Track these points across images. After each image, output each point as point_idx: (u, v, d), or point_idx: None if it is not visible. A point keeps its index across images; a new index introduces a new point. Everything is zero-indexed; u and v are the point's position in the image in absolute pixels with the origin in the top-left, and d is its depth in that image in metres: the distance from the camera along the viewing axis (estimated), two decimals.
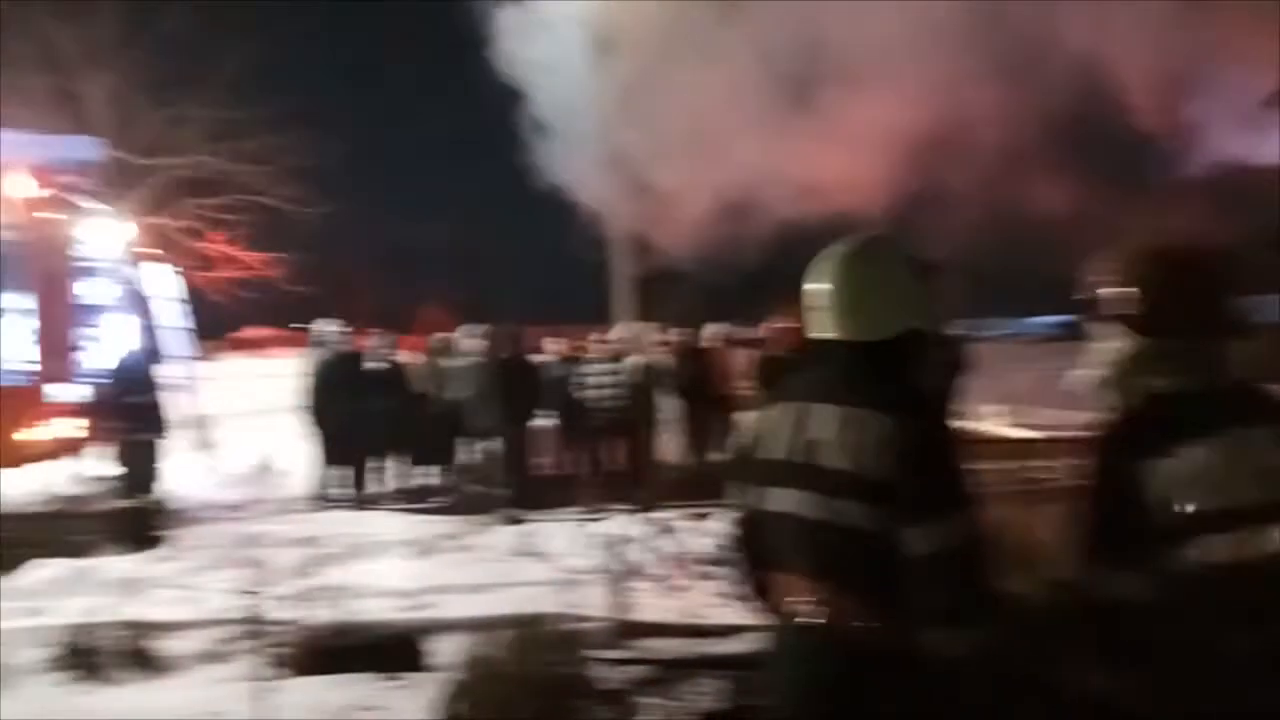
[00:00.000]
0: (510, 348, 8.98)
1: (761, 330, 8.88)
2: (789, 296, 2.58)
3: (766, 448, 1.99)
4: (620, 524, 7.12)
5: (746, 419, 2.18)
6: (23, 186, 7.15)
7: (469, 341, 9.35)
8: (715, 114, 11.55)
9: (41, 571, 6.18)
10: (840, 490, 1.85)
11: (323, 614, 4.75)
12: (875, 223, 10.45)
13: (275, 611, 4.83)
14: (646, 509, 7.54)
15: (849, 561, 1.85)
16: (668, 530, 6.86)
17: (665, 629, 4.74)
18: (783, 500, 1.95)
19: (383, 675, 4.27)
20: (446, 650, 4.46)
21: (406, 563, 6.48)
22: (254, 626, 4.72)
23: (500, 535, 7.02)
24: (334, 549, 6.81)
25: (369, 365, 9.21)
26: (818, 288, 2.00)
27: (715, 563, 6.27)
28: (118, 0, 17.47)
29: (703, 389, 9.15)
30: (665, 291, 13.39)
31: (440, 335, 10.18)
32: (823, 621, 1.86)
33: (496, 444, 8.83)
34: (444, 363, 9.52)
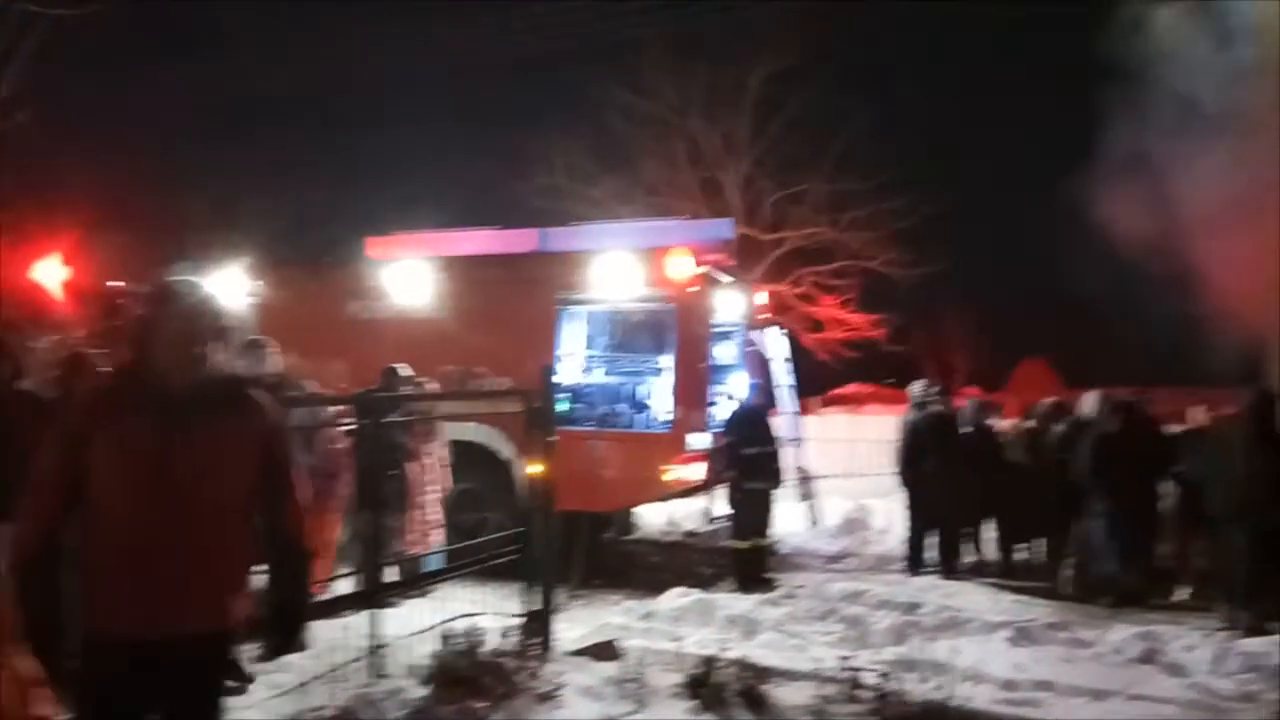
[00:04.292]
0: (1123, 416, 7.99)
1: None
2: None
3: None
4: (1274, 645, 5.81)
5: None
6: (679, 266, 8.41)
7: (1083, 407, 8.56)
8: None
9: (679, 600, 7.04)
10: None
11: (921, 689, 4.63)
12: None
13: (873, 677, 4.87)
14: None
15: None
16: None
17: None
18: None
19: None
20: None
21: (1006, 647, 6.06)
22: (855, 690, 4.80)
23: (1118, 633, 6.20)
24: (928, 619, 6.68)
25: (955, 430, 8.95)
26: None
27: None
28: (753, 99, 19.90)
29: None
30: None
31: (1046, 400, 9.52)
32: None
33: (1103, 523, 7.88)
34: (1053, 429, 8.85)
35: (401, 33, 21.31)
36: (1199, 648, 5.93)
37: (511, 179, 19.12)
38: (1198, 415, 8.14)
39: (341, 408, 5.98)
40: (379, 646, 5.12)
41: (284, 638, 3.16)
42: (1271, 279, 10.25)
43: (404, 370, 7.37)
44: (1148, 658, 5.89)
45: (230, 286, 9.04)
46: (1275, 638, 5.99)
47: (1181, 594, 7.86)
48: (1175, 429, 8.35)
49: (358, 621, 5.19)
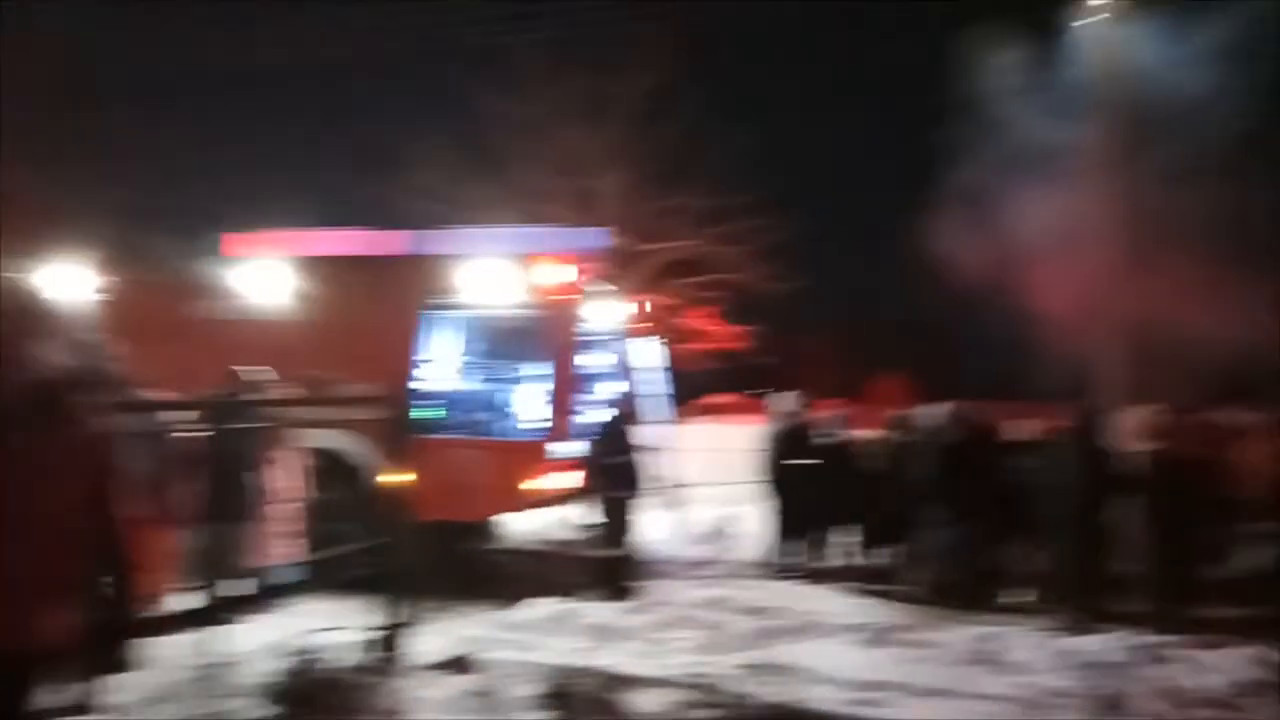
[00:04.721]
0: (965, 428, 8.43)
1: None
2: None
3: None
4: (1102, 643, 6.22)
5: None
6: (552, 274, 8.37)
7: (924, 418, 8.97)
8: None
9: (542, 610, 6.98)
10: None
11: (775, 692, 4.73)
12: None
13: (729, 682, 4.95)
14: (1157, 628, 6.49)
15: None
16: (1158, 658, 5.84)
17: None
18: None
19: None
20: None
21: (859, 649, 6.28)
22: (711, 695, 4.87)
23: (963, 634, 6.50)
24: (786, 623, 6.86)
25: (817, 439, 9.24)
26: None
27: (1214, 704, 5.22)
28: (627, 108, 20.07)
29: (1196, 484, 7.63)
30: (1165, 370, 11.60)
31: (903, 411, 9.92)
32: None
33: (950, 529, 8.28)
34: (900, 439, 9.23)
35: (267, 22, 20.51)
36: (1037, 647, 6.28)
37: (382, 180, 18.66)
38: (1031, 427, 8.65)
39: (185, 413, 5.67)
40: (221, 664, 4.87)
41: (107, 656, 2.98)
42: (1093, 306, 11.11)
43: (261, 374, 7.04)
44: (990, 657, 6.19)
45: (68, 283, 8.48)
46: (1106, 636, 6.42)
47: (1024, 596, 8.30)
48: (1013, 439, 8.83)
49: (200, 638, 4.94)
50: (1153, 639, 6.21)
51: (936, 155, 12.52)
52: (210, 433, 5.17)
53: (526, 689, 4.93)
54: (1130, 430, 8.32)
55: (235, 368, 6.64)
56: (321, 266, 8.70)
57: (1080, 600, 7.28)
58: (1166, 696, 5.35)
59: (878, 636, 6.51)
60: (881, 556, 9.29)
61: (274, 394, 6.66)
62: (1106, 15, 12.00)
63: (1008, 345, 12.49)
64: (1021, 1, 12.74)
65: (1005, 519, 8.35)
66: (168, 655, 4.84)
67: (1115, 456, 7.71)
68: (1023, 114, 11.88)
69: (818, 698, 4.85)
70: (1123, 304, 11.37)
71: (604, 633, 6.51)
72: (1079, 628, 6.82)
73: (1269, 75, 12.15)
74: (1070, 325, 11.07)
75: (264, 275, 8.64)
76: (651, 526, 9.56)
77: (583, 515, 8.76)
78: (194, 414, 5.43)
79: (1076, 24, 12.09)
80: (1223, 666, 5.69)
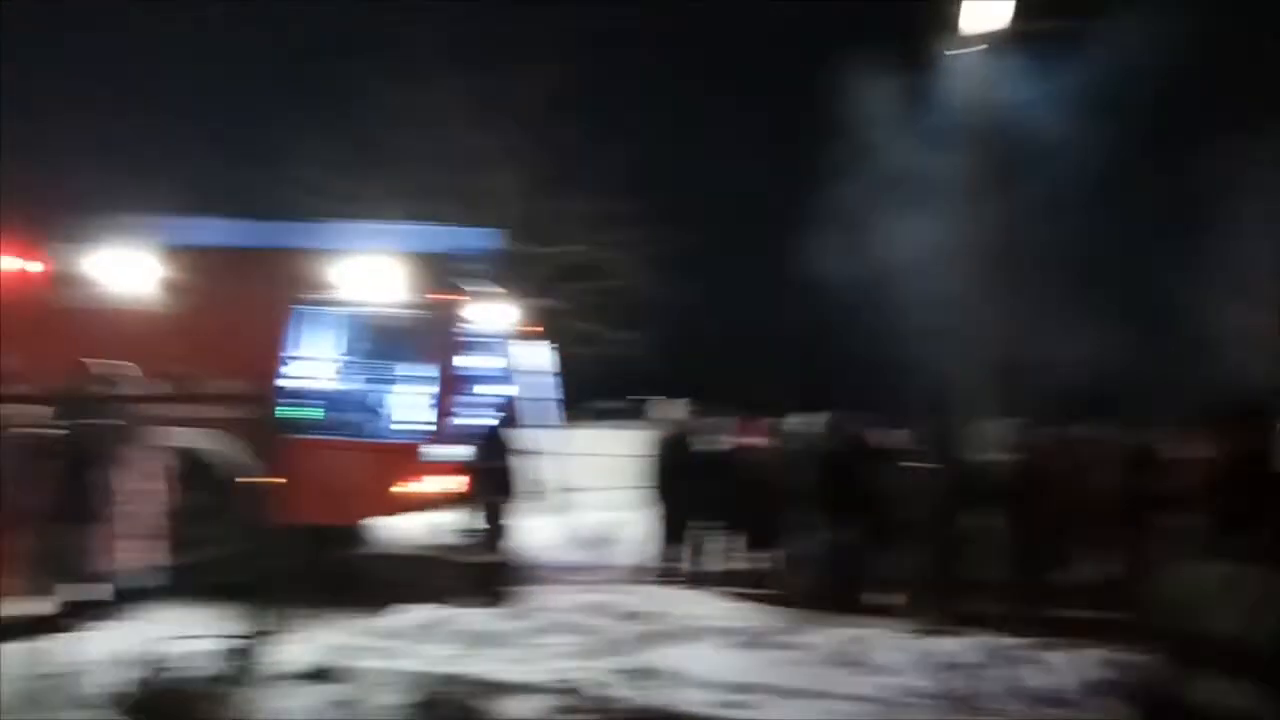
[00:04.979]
0: (841, 437, 8.69)
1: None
2: None
3: None
4: (960, 644, 6.48)
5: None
6: (433, 273, 8.22)
7: (801, 428, 9.20)
8: None
9: (416, 616, 6.83)
10: None
11: (646, 696, 4.75)
12: None
13: (601, 687, 4.95)
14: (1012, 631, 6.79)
15: None
16: (1010, 659, 6.13)
17: None
18: None
19: None
20: None
21: (735, 652, 6.37)
22: (581, 700, 4.85)
23: (836, 637, 6.67)
24: (665, 627, 6.90)
25: (701, 446, 9.36)
26: None
27: (1061, 703, 5.51)
28: (524, 108, 19.96)
29: (1050, 494, 8.00)
30: (1021, 387, 12.28)
31: (786, 420, 10.14)
32: None
33: (827, 534, 8.51)
34: (779, 447, 9.44)
35: (150, 5, 19.60)
36: (900, 649, 6.50)
37: (264, 170, 18.01)
38: (900, 438, 8.97)
39: (30, 408, 5.34)
40: (65, 674, 4.61)
41: None
42: (959, 325, 11.67)
43: (116, 368, 6.68)
44: (855, 659, 6.37)
45: None
46: (964, 638, 6.68)
47: (893, 599, 8.56)
48: (885, 448, 9.13)
49: (43, 646, 4.67)
50: (1007, 641, 6.51)
51: (819, 175, 12.99)
52: (58, 429, 4.89)
53: (391, 698, 4.82)
54: (991, 442, 8.73)
55: (86, 360, 6.29)
56: (188, 257, 8.33)
57: (941, 604, 7.58)
58: (1018, 695, 5.61)
59: (751, 640, 6.62)
60: (761, 561, 9.48)
61: (130, 389, 6.34)
62: (982, 46, 12.61)
63: (883, 358, 13.03)
64: (899, 30, 13.29)
65: (877, 525, 8.66)
66: (6, 664, 4.57)
67: (975, 467, 8.09)
68: (898, 138, 12.43)
69: (686, 701, 4.89)
70: (986, 323, 11.99)
71: (476, 639, 6.41)
72: (939, 630, 7.09)
73: (1134, 110, 12.99)
74: (939, 342, 11.61)
75: (127, 265, 8.22)
76: (534, 532, 9.50)
77: (460, 520, 8.64)
78: (40, 409, 5.12)
79: (950, 54, 12.65)
80: (1072, 667, 6.00)
